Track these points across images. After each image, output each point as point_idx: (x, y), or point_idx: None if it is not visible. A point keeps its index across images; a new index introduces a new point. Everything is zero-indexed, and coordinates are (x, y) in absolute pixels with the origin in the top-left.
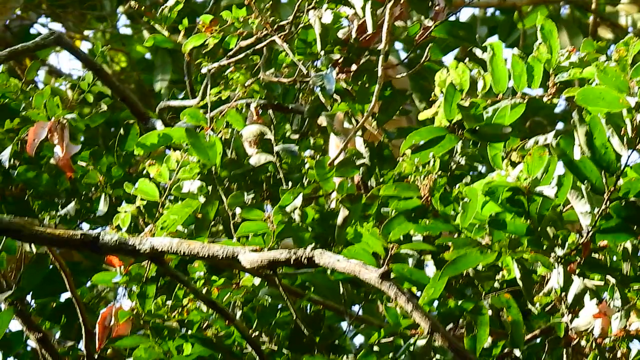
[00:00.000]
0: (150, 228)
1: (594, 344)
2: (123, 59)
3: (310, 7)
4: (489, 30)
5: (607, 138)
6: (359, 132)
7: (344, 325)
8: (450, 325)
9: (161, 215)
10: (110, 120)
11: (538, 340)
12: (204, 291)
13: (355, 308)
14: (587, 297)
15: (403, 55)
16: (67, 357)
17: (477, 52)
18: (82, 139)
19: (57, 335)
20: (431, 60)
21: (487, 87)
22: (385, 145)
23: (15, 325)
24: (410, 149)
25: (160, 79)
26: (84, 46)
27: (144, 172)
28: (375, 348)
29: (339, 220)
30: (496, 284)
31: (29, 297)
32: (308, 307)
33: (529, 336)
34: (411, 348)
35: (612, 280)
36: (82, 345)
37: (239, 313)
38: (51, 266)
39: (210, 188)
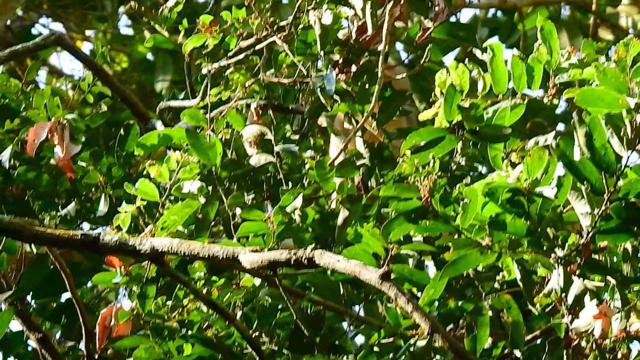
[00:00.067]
0: (150, 228)
1: (594, 345)
2: (125, 59)
3: (311, 7)
4: (489, 32)
5: (606, 139)
6: (359, 133)
7: (344, 325)
8: (451, 326)
9: (161, 215)
10: (111, 120)
11: (538, 341)
12: (204, 291)
13: (356, 308)
14: (587, 298)
15: (404, 55)
16: (67, 358)
17: (477, 52)
18: (83, 139)
19: (58, 336)
20: (431, 60)
21: (487, 87)
22: (386, 146)
23: (16, 325)
24: (410, 150)
25: (161, 80)
26: (85, 46)
27: (144, 172)
28: (376, 348)
29: (339, 220)
30: (496, 285)
31: (29, 297)
32: (308, 308)
33: (529, 337)
34: (411, 349)
35: (613, 281)
36: (82, 345)
37: (239, 313)
38: (51, 266)
39: (210, 188)
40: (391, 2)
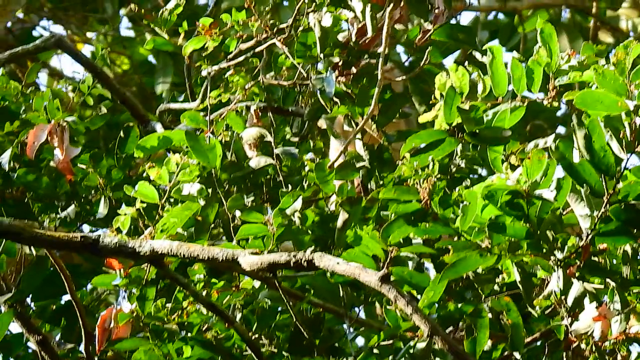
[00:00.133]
0: (150, 231)
1: (593, 347)
2: (126, 61)
3: (310, 10)
4: (490, 34)
5: (606, 141)
6: (359, 135)
7: (344, 327)
8: (450, 328)
9: (161, 218)
10: (111, 122)
11: (538, 343)
12: (203, 294)
13: (355, 311)
14: (587, 300)
15: (404, 58)
16: None
17: (477, 55)
18: (83, 141)
19: (57, 338)
20: (431, 63)
21: (487, 90)
22: (385, 148)
23: (15, 327)
24: (410, 152)
25: (162, 82)
26: (87, 49)
27: (144, 174)
28: (375, 351)
29: (339, 223)
30: (496, 287)
31: (28, 300)
32: (308, 310)
33: (528, 339)
34: (411, 351)
35: (612, 284)
36: (82, 347)
37: (238, 315)
38: (51, 269)
39: (210, 191)
40: (391, 5)
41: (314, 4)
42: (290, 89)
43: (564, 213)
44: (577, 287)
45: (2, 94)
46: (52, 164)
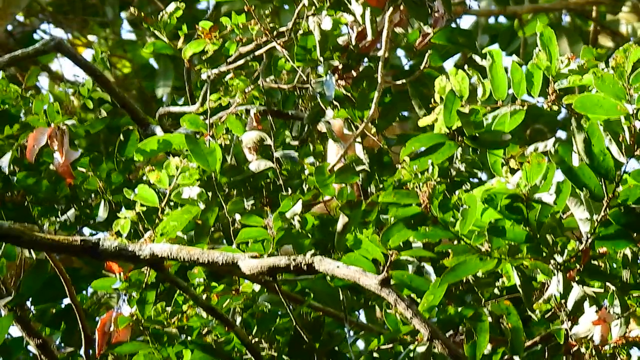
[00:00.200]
0: (150, 234)
1: (593, 351)
2: (127, 65)
3: (310, 13)
4: (490, 39)
5: (605, 145)
6: (359, 139)
7: (344, 331)
8: (450, 332)
9: (161, 221)
10: (111, 126)
11: (538, 347)
12: (203, 297)
13: (355, 314)
14: (586, 304)
15: (404, 61)
16: None
17: (477, 59)
18: (84, 145)
19: (57, 342)
20: (431, 67)
21: (486, 94)
22: (385, 152)
23: (15, 331)
24: (409, 156)
25: (163, 85)
26: (88, 52)
27: (144, 178)
28: (375, 354)
29: (339, 226)
30: (496, 291)
31: (28, 303)
32: (308, 314)
33: (528, 343)
34: (411, 354)
35: (612, 287)
36: (82, 351)
37: (238, 319)
38: (51, 272)
39: (210, 194)
40: (391, 8)
41: (314, 7)
42: (290, 93)
43: (564, 217)
44: (577, 290)
45: (2, 97)
46: (52, 167)
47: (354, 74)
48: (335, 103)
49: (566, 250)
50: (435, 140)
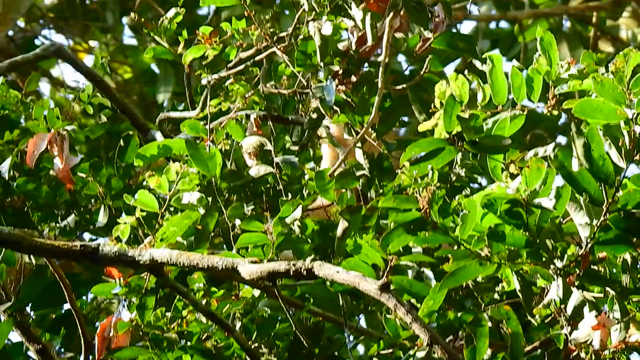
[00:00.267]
0: (149, 239)
1: (593, 356)
2: (128, 70)
3: (310, 18)
4: (491, 44)
5: (605, 150)
6: (359, 144)
7: (344, 336)
8: (450, 337)
9: (161, 226)
10: (111, 131)
11: (538, 352)
12: (203, 302)
13: (355, 319)
14: (586, 309)
15: (405, 66)
16: None
17: (477, 64)
18: (85, 150)
19: (57, 347)
20: (432, 72)
21: (486, 98)
22: (386, 157)
23: (15, 336)
24: (409, 161)
25: (163, 91)
26: (89, 58)
27: (144, 183)
28: (375, 359)
29: (339, 232)
30: (496, 296)
31: (28, 309)
32: (308, 319)
33: (528, 348)
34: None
35: (612, 292)
36: (81, 357)
37: (238, 324)
38: (51, 277)
39: (210, 199)
40: (391, 14)
41: (314, 12)
42: (290, 98)
43: (564, 222)
44: (576, 295)
45: (2, 102)
46: (51, 172)
47: (354, 79)
48: (335, 108)
49: (566, 255)
50: (435, 145)
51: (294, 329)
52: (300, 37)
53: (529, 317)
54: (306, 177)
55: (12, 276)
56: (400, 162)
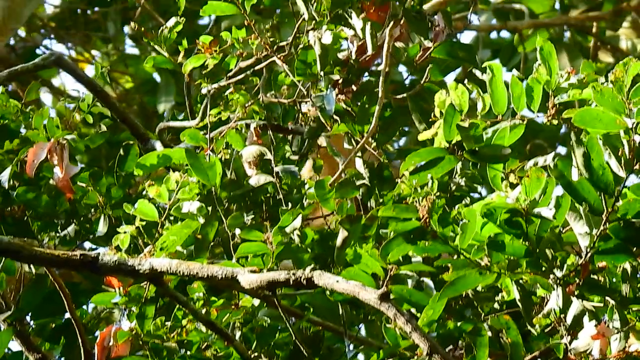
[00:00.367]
0: (149, 249)
1: None
2: (130, 80)
3: (310, 28)
4: (492, 54)
5: (604, 159)
6: (359, 153)
7: (344, 345)
8: (450, 347)
9: (160, 236)
10: (111, 141)
11: None
12: (203, 312)
13: (355, 328)
14: (586, 318)
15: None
16: None
17: (477, 73)
18: (86, 160)
19: (57, 356)
20: (432, 81)
21: (486, 108)
22: (386, 166)
23: (15, 346)
24: (409, 170)
25: (164, 101)
26: (90, 68)
27: (144, 192)
28: None
29: (339, 241)
30: (495, 305)
31: (28, 318)
32: (308, 328)
33: (528, 358)
34: None
35: (611, 302)
36: None
37: (238, 334)
38: (50, 287)
39: (209, 209)
40: (391, 23)
41: (314, 21)
42: (290, 107)
43: (563, 231)
44: (576, 305)
45: (1, 112)
46: (51, 182)
47: (354, 88)
48: (335, 117)
49: (565, 265)
50: (435, 154)
51: (294, 338)
52: (301, 46)
53: (529, 327)
54: (306, 186)
55: (12, 285)
56: (400, 172)
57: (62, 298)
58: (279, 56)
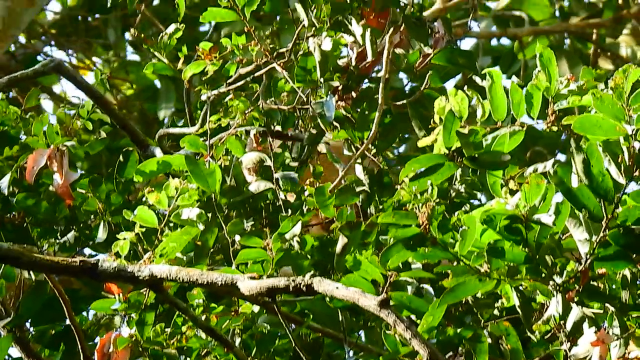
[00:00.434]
0: (149, 255)
1: None
2: (130, 86)
3: (310, 34)
4: (492, 60)
5: (604, 166)
6: (359, 159)
7: (344, 352)
8: (450, 353)
9: (160, 242)
10: (112, 147)
11: None
12: (202, 318)
13: (355, 335)
14: (586, 325)
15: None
16: None
17: (477, 79)
18: (86, 167)
19: None
20: (432, 88)
21: (486, 114)
22: (386, 172)
23: (14, 352)
24: (409, 177)
25: (165, 107)
26: (91, 75)
27: (143, 199)
28: None
29: (338, 248)
30: (495, 312)
31: (28, 324)
32: (307, 335)
33: None
34: None
35: (611, 308)
36: None
37: (238, 340)
38: (50, 293)
39: (209, 215)
40: (391, 30)
41: (314, 28)
42: (289, 114)
43: (563, 238)
44: (576, 311)
45: (1, 118)
46: (51, 188)
47: (354, 94)
48: (335, 124)
49: (565, 271)
50: (434, 161)
51: (294, 344)
52: (300, 53)
53: (529, 333)
54: (306, 192)
55: (12, 292)
56: (399, 178)
57: (62, 304)
58: (278, 63)
